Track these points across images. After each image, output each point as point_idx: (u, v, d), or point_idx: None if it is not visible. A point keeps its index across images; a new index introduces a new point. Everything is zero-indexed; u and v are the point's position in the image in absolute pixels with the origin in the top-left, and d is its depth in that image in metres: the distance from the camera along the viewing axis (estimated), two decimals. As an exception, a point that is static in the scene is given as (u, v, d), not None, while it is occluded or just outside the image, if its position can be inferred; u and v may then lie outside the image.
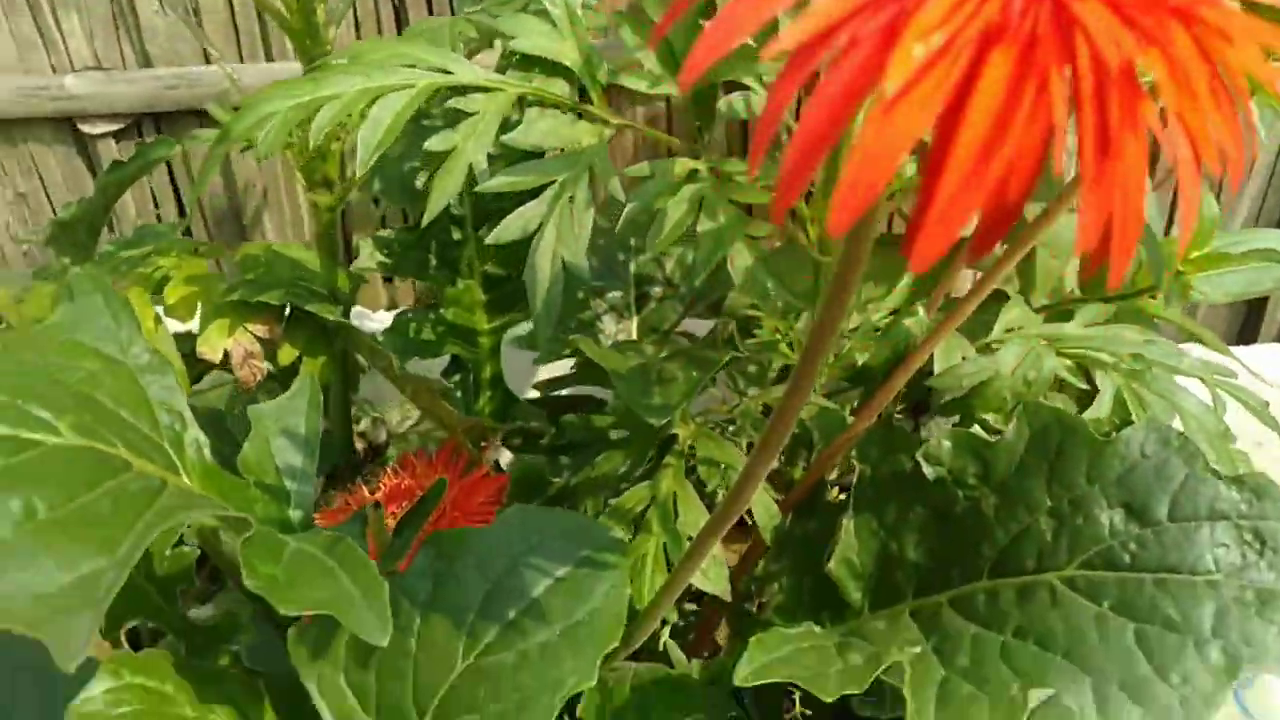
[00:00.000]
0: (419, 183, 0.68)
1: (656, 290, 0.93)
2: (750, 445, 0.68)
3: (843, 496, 0.62)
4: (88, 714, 0.45)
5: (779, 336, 0.61)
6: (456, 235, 0.70)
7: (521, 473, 0.68)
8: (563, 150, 0.49)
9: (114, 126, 1.34)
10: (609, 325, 0.92)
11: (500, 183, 0.45)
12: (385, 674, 0.48)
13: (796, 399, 0.34)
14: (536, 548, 0.48)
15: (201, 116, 1.32)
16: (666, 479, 0.59)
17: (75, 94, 1.31)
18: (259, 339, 0.56)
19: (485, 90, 0.47)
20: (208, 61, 1.30)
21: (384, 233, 0.66)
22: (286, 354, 0.57)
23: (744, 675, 0.45)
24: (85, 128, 1.35)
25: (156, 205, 1.42)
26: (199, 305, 0.55)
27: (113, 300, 0.46)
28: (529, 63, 0.51)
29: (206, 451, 0.45)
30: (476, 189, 0.45)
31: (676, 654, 0.62)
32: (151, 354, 0.46)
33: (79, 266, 1.03)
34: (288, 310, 0.59)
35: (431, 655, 0.47)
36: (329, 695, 0.48)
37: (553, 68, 0.51)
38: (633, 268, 0.94)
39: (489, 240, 0.45)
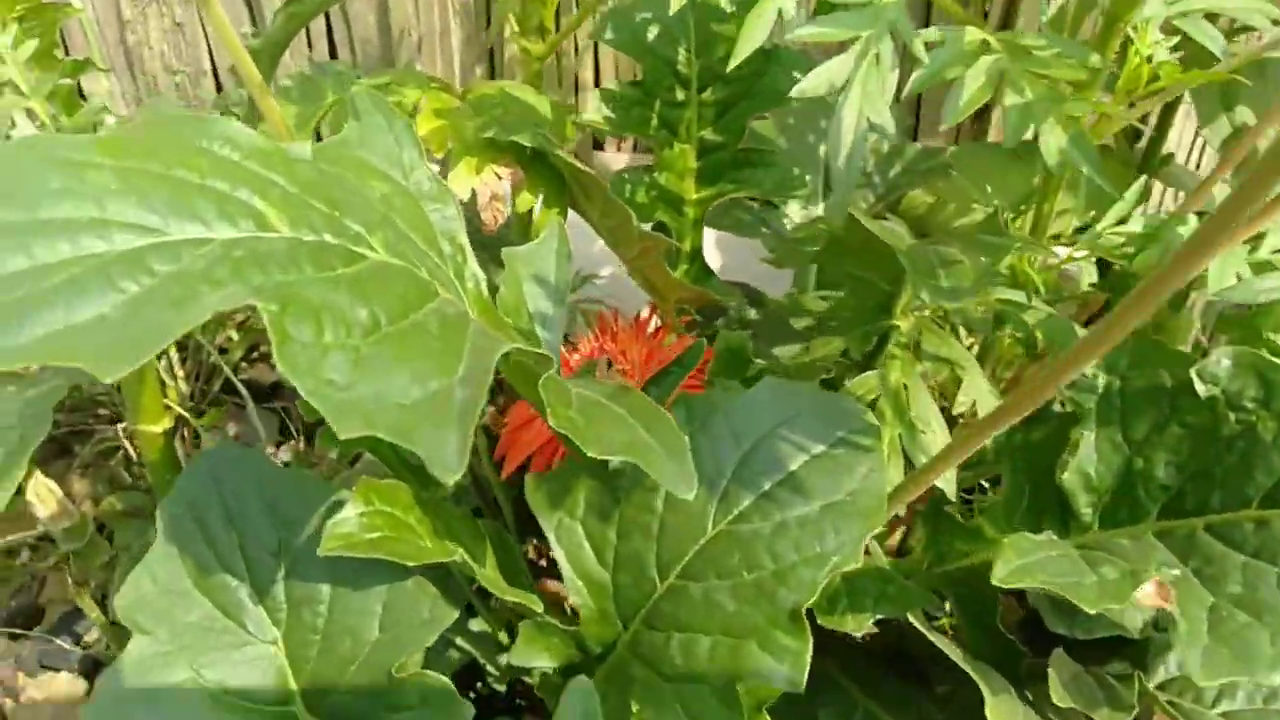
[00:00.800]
0: (652, 34, 0.65)
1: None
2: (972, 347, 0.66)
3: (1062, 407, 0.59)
4: (343, 534, 0.46)
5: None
6: (680, 95, 0.67)
7: (726, 347, 0.66)
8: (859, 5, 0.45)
9: (276, -39, 1.32)
10: (794, 212, 0.89)
11: (810, 33, 0.42)
12: (627, 530, 0.48)
13: (1132, 314, 0.32)
14: (791, 422, 0.47)
15: (363, -43, 1.29)
16: (895, 369, 0.57)
17: (241, -78, 1.28)
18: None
19: (794, -68, 0.44)
20: (376, -101, 1.26)
21: (611, 85, 0.63)
22: (525, 200, 0.56)
23: (1002, 576, 0.44)
24: (247, -41, 1.32)
25: (310, 46, 1.40)
26: (448, 140, 0.54)
27: (395, 122, 0.45)
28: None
29: (484, 286, 0.44)
30: (789, 36, 0.42)
31: (874, 547, 0.61)
32: (432, 181, 0.45)
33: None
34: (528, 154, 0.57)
35: (679, 517, 0.47)
36: (566, 542, 0.49)
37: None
38: (822, 151, 0.91)
39: (792, 93, 0.43)
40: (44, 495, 0.89)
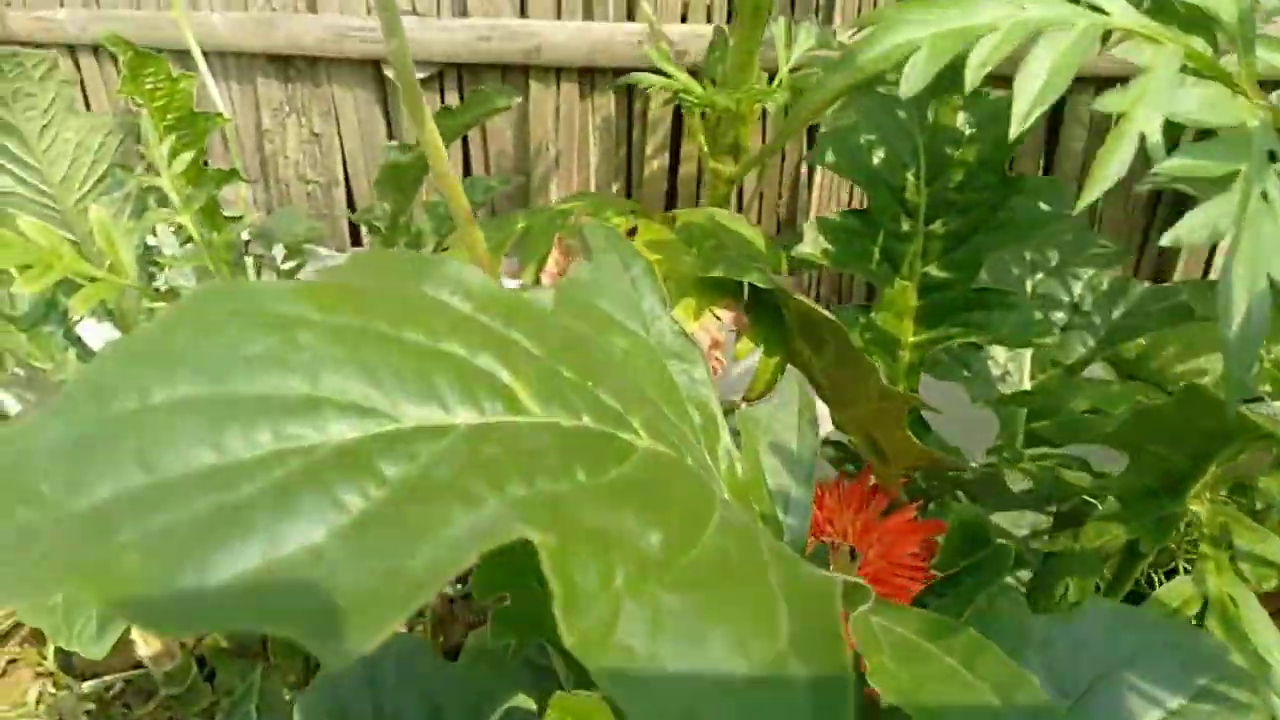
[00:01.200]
0: (876, 158, 0.57)
1: (1059, 316, 0.79)
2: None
3: None
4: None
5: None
6: (905, 226, 0.58)
7: (959, 523, 0.55)
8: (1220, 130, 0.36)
9: (420, 75, 1.30)
10: (999, 354, 0.79)
11: (1180, 165, 0.33)
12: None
13: None
14: (1132, 662, 0.36)
15: (506, 71, 1.27)
16: (1211, 573, 0.45)
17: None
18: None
19: (1151, 41, 0.35)
20: (524, 14, 1.24)
21: (832, 215, 0.55)
22: (744, 348, 0.47)
23: None
24: (390, 73, 1.31)
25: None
26: (664, 279, 0.46)
27: (634, 262, 0.36)
28: (1163, 9, 0.38)
29: (739, 465, 0.35)
30: (1154, 170, 0.33)
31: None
32: (676, 334, 0.36)
33: (400, 213, 0.97)
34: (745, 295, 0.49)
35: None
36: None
37: (1197, 20, 0.38)
38: (1030, 285, 0.81)
39: (1166, 240, 0.33)
40: (148, 633, 0.81)
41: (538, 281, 0.48)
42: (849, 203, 1.20)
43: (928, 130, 0.57)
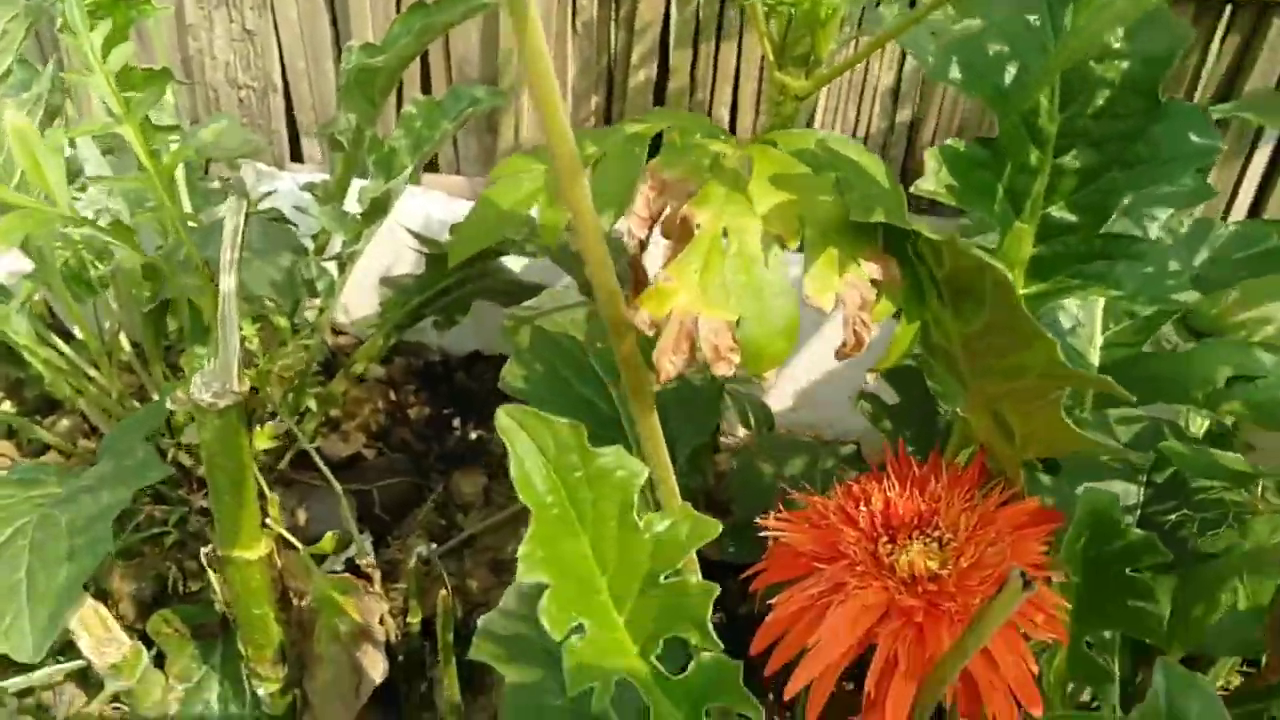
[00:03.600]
0: (1008, 74, 0.47)
1: (1134, 262, 0.71)
2: None
3: None
4: None
5: None
6: (1033, 158, 0.48)
7: (1090, 510, 0.48)
8: None
9: (370, -37, 1.14)
10: (1068, 304, 0.71)
11: None
12: None
13: None
14: None
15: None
16: None
17: (335, -81, 1.11)
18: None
19: None
20: (495, -102, 1.08)
21: (954, 143, 0.45)
22: (883, 309, 0.38)
23: None
24: (343, -41, 1.15)
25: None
26: (799, 222, 0.35)
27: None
28: None
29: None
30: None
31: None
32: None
33: (367, 126, 0.84)
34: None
35: None
36: None
37: None
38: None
39: None
40: (89, 621, 0.69)
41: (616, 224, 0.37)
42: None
43: (1065, 40, 0.47)
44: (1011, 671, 0.43)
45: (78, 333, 1.09)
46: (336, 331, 1.25)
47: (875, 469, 0.52)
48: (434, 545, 1.00)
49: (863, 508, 0.49)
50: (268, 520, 0.60)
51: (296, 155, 1.32)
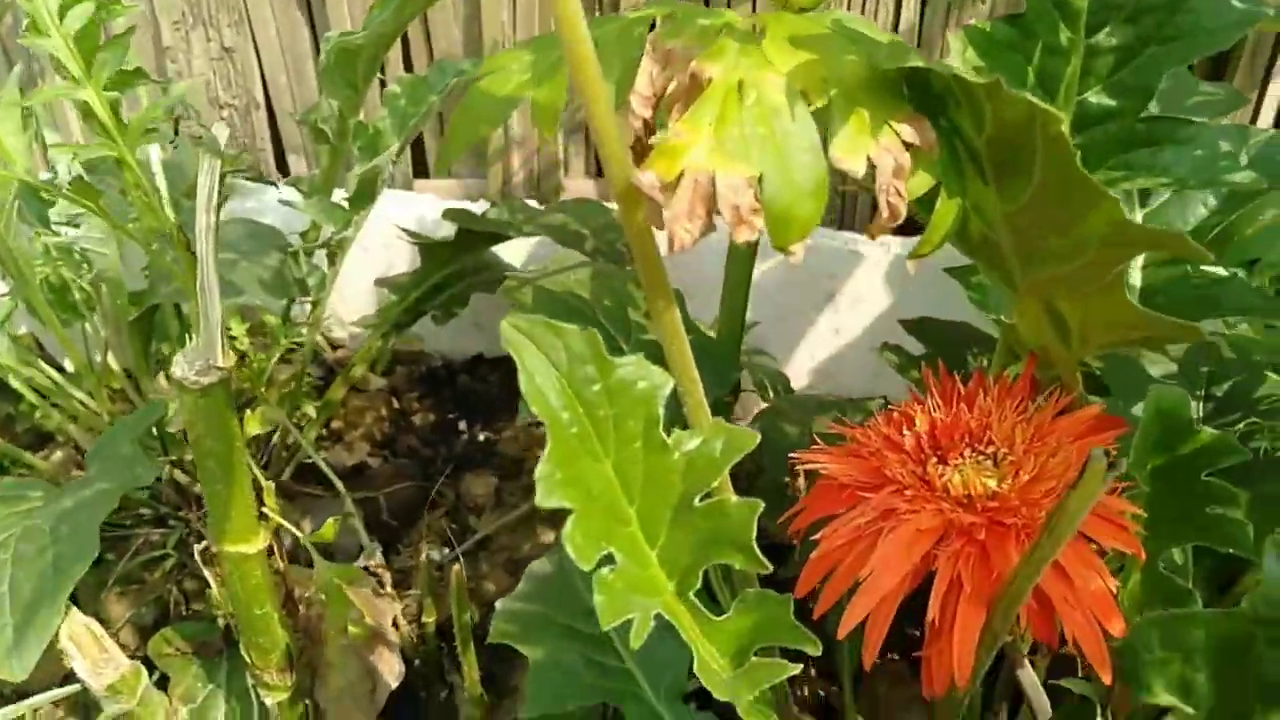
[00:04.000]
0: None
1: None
2: None
3: None
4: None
5: None
6: (1064, 38, 0.45)
7: (1158, 410, 0.43)
8: None
9: (347, -33, 1.12)
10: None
11: None
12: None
13: None
14: None
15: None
16: None
17: (307, -78, 1.09)
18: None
19: None
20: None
21: (980, 23, 0.41)
22: (920, 182, 0.34)
23: None
24: (314, -34, 1.13)
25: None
26: (823, 81, 0.32)
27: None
28: None
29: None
30: None
31: None
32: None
33: (350, 113, 0.81)
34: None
35: None
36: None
37: None
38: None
39: None
40: (81, 640, 0.65)
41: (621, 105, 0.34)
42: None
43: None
44: (1088, 587, 0.39)
45: (68, 364, 1.06)
46: (335, 346, 1.21)
47: (914, 394, 0.48)
48: (446, 550, 0.96)
49: (906, 431, 0.45)
50: (265, 510, 0.56)
51: (284, 171, 1.29)
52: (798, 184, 0.29)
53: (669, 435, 0.35)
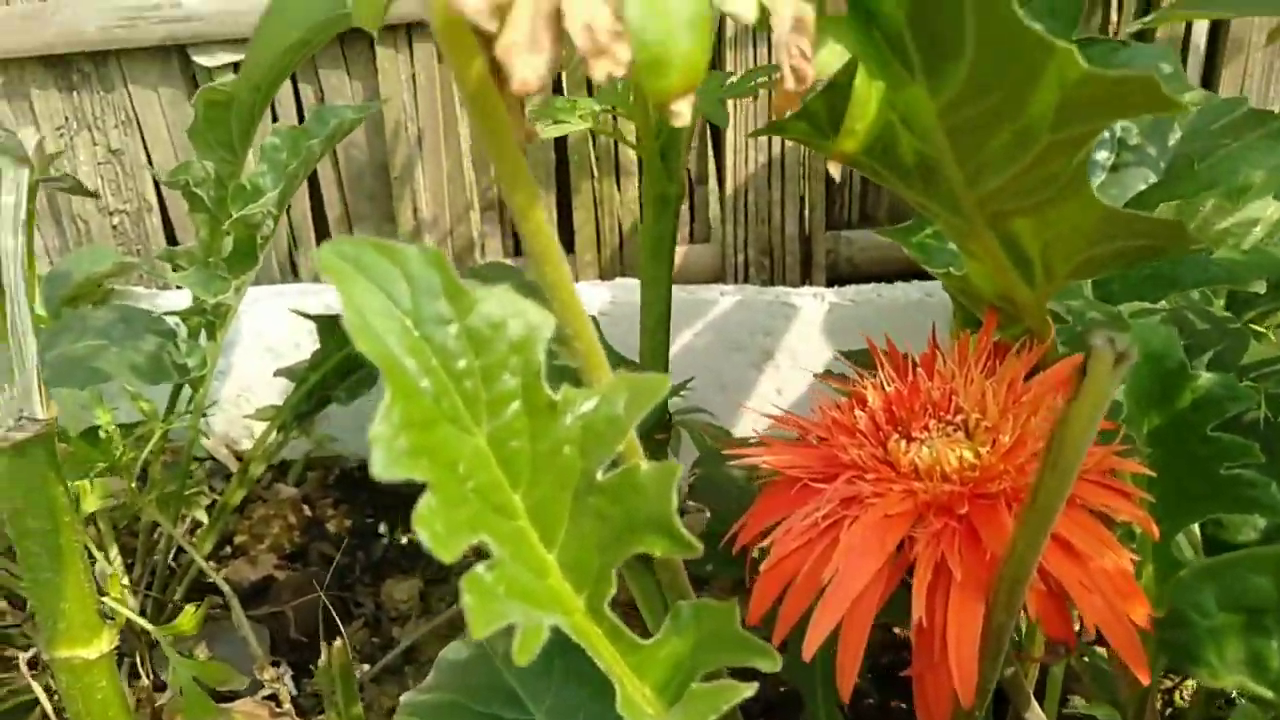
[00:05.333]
0: None
1: (1102, 156, 0.63)
2: None
3: None
4: None
5: None
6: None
7: (1147, 352, 0.37)
8: None
9: (237, 56, 1.08)
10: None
11: None
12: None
13: None
14: None
15: (342, 39, 1.05)
16: None
17: (193, 13, 1.05)
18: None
19: None
20: (359, -31, 1.04)
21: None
22: (828, 57, 0.27)
23: None
24: (201, 59, 1.08)
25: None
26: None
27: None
28: None
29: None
30: None
31: None
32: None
33: (228, 177, 0.74)
34: None
35: None
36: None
37: None
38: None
39: None
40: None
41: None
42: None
43: None
44: (1104, 565, 0.31)
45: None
46: (240, 457, 1.11)
47: (860, 373, 0.40)
48: (366, 666, 0.84)
49: (859, 412, 0.38)
50: (108, 602, 0.46)
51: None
52: (670, 11, 0.22)
53: (558, 394, 0.27)
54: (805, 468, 0.36)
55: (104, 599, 0.46)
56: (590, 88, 1.01)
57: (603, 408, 0.27)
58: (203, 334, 0.74)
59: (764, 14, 0.25)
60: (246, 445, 1.12)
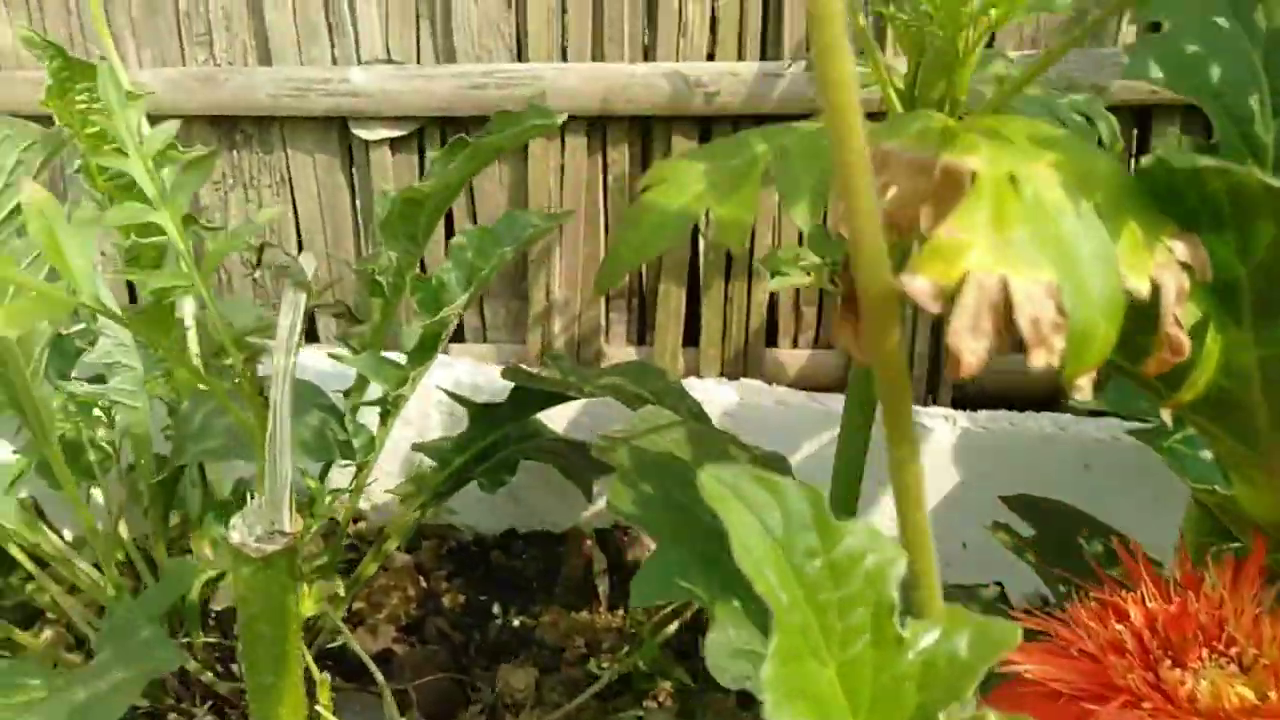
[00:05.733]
0: (1214, 73, 0.40)
1: None
2: None
3: None
4: None
5: None
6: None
7: None
8: None
9: (395, 132, 1.12)
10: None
11: None
12: None
13: None
14: None
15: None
16: None
17: (359, 89, 1.09)
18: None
19: None
20: (521, 57, 1.08)
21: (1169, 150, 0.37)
22: (1185, 314, 0.28)
23: None
24: (360, 131, 1.12)
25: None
26: (1085, 186, 0.27)
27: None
28: None
29: None
30: None
31: None
32: None
33: (408, 267, 0.77)
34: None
35: None
36: None
37: None
38: None
39: None
40: None
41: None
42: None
43: (1260, 38, 0.41)
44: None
45: (68, 533, 0.97)
46: (355, 518, 1.13)
47: (1107, 580, 0.40)
48: (484, 754, 0.84)
49: (1120, 626, 0.37)
50: (318, 708, 0.47)
51: (312, 336, 1.25)
52: (1094, 298, 0.23)
53: (905, 627, 0.28)
54: (1072, 683, 0.36)
55: (315, 705, 0.47)
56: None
57: (943, 645, 0.28)
58: (362, 410, 0.76)
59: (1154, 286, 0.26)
60: (360, 504, 1.14)
